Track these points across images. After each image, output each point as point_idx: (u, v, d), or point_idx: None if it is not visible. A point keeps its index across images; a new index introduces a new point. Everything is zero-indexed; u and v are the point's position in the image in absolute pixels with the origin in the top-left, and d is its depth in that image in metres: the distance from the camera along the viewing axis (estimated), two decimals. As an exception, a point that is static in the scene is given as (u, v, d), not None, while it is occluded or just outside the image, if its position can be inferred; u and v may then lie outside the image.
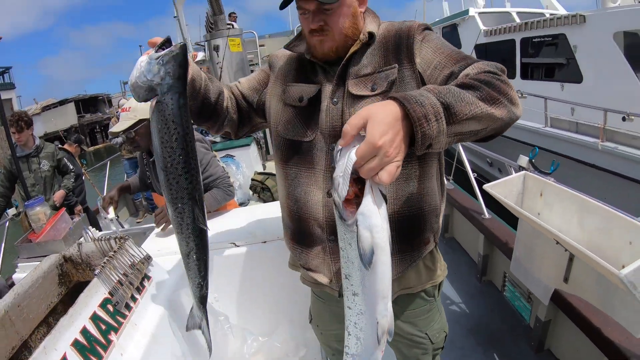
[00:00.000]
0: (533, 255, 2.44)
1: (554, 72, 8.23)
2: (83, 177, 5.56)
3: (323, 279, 1.36)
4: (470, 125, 0.92)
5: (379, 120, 0.78)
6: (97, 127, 33.20)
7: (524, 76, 9.01)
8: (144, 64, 1.02)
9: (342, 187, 0.80)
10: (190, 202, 1.14)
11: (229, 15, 9.48)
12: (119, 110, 7.57)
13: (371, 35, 1.29)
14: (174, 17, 9.63)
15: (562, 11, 10.82)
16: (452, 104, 0.87)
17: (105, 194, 2.86)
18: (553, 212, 2.30)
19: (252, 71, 7.32)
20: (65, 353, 1.18)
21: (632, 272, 1.57)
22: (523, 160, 2.61)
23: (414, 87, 1.20)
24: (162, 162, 1.09)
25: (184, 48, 1.03)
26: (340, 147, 0.82)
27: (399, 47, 1.25)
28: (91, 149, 30.85)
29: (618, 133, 5.87)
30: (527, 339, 2.82)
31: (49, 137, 26.54)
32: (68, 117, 32.18)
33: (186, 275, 1.30)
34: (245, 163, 5.01)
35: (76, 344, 1.23)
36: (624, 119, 5.69)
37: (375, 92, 1.23)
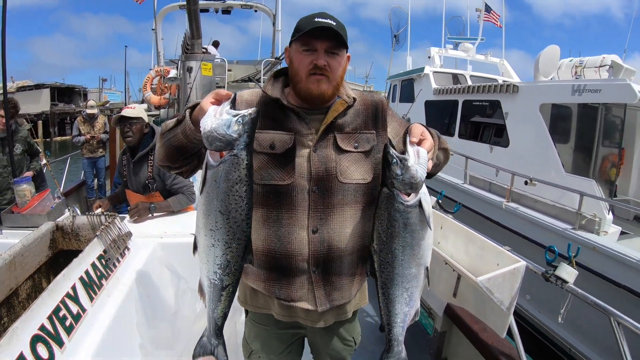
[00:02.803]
0: (431, 276, 3.05)
1: (487, 134, 8.74)
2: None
3: (307, 305, 1.46)
4: (440, 155, 1.45)
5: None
6: (68, 119, 31.99)
7: (462, 135, 9.56)
8: (222, 117, 1.13)
9: (422, 172, 1.18)
10: (245, 243, 1.22)
11: (214, 42, 10.09)
12: (86, 110, 7.80)
13: (354, 99, 1.49)
14: (152, 29, 10.07)
15: (516, 79, 11.56)
16: (440, 137, 1.43)
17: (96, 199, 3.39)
18: (449, 242, 2.96)
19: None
20: (74, 283, 1.64)
21: (487, 279, 2.22)
22: (432, 200, 3.28)
23: None
24: (225, 207, 1.16)
25: (258, 113, 1.19)
26: (394, 151, 1.23)
27: (377, 116, 1.51)
28: (58, 138, 29.93)
29: (523, 196, 6.44)
30: (428, 349, 3.39)
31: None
32: (41, 103, 31.25)
33: (209, 305, 1.30)
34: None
35: (82, 279, 1.69)
36: (526, 183, 6.17)
37: (358, 150, 1.45)
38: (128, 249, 2.15)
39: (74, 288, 1.63)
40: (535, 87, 7.68)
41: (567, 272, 2.31)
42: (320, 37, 1.35)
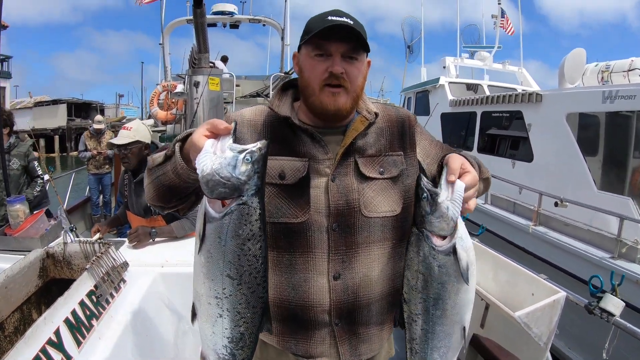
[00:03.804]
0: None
1: (508, 148, 8.09)
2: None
3: None
4: (481, 185, 1.20)
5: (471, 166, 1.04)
6: (85, 134, 33.45)
7: (481, 149, 8.81)
8: (225, 155, 0.90)
9: (454, 210, 0.96)
10: (262, 311, 0.99)
11: (222, 57, 10.04)
12: (92, 125, 7.71)
13: (376, 114, 1.26)
14: (159, 44, 10.02)
15: (536, 88, 10.83)
16: (481, 166, 1.21)
17: (94, 224, 3.22)
18: (475, 268, 2.72)
19: (225, 109, 7.74)
20: (58, 327, 1.43)
21: (525, 314, 1.98)
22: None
23: (415, 174, 1.25)
24: (235, 270, 0.93)
25: (269, 146, 0.94)
26: (427, 182, 1.02)
27: (403, 134, 1.28)
28: (74, 153, 30.83)
29: (552, 218, 5.69)
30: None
31: (35, 134, 26.77)
32: (58, 118, 32.15)
33: None
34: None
35: (67, 322, 1.48)
36: (556, 204, 5.39)
37: (384, 177, 1.22)
38: (124, 282, 1.93)
39: (57, 333, 1.41)
40: (560, 95, 6.95)
41: (613, 304, 2.07)
42: (336, 39, 1.12)
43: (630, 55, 7.81)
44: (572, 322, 4.14)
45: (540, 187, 6.00)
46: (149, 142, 2.95)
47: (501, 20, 13.45)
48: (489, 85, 11.44)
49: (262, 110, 1.27)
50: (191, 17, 7.10)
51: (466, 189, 0.98)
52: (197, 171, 0.90)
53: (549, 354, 2.27)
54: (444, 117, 10.61)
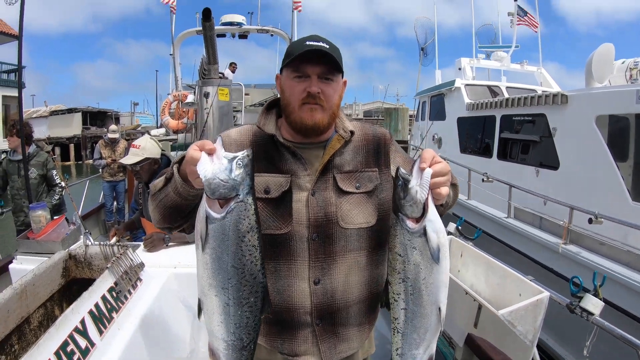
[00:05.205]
0: (451, 305, 2.95)
1: (531, 155, 7.42)
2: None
3: (312, 359, 1.36)
4: (450, 191, 1.29)
5: None
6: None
7: (501, 156, 8.25)
8: (221, 161, 1.04)
9: (421, 193, 1.05)
10: (263, 295, 1.11)
11: (230, 64, 10.29)
12: (107, 134, 7.97)
13: (351, 133, 1.37)
14: (170, 54, 10.30)
15: (556, 88, 10.21)
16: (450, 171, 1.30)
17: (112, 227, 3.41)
18: (469, 270, 2.88)
19: (234, 117, 7.98)
20: (83, 317, 1.62)
21: (509, 312, 2.13)
22: (451, 226, 3.20)
23: (389, 188, 1.34)
24: (238, 260, 1.06)
25: (253, 152, 1.08)
26: (403, 171, 1.09)
27: (379, 152, 1.39)
28: (89, 161, 31.43)
29: (585, 237, 4.97)
30: (449, 380, 3.27)
31: (52, 142, 27.54)
32: (73, 127, 32.82)
33: None
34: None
35: (91, 313, 1.67)
36: (590, 220, 4.73)
37: (360, 191, 1.33)
38: (140, 280, 2.13)
39: (82, 322, 1.60)
40: (589, 95, 6.26)
41: (593, 304, 2.20)
42: (313, 62, 1.25)
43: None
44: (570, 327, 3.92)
45: (567, 197, 5.56)
46: (158, 157, 3.10)
47: (522, 19, 12.60)
48: (507, 87, 10.83)
49: (247, 129, 1.39)
50: (201, 29, 7.34)
51: (436, 175, 1.06)
52: (200, 176, 1.02)
53: (535, 351, 2.40)
54: (461, 121, 10.12)
